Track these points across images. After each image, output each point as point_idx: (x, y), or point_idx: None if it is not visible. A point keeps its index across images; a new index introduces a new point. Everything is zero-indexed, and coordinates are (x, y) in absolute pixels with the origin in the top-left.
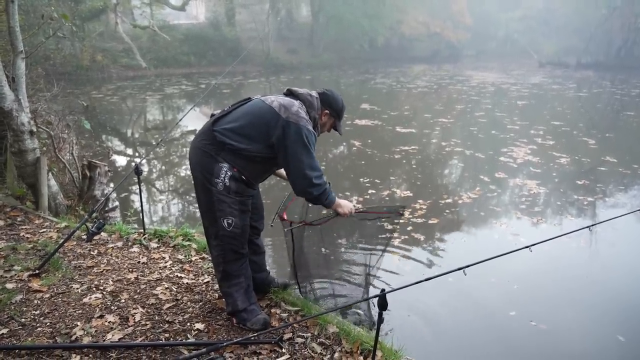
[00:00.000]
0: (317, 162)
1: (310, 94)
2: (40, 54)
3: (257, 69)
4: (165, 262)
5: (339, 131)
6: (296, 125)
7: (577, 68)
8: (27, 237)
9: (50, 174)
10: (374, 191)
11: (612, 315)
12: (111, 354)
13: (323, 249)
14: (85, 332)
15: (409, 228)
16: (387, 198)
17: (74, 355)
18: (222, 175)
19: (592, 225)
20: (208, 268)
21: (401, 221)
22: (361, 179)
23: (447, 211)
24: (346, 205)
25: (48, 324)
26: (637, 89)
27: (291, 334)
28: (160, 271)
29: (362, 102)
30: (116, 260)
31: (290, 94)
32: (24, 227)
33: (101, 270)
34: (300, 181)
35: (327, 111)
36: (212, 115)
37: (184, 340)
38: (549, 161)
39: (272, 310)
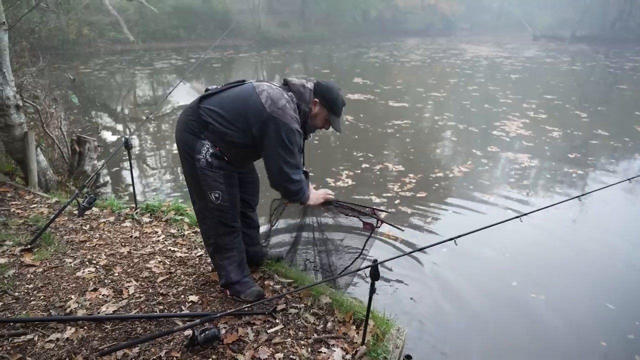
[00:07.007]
0: (297, 159)
1: (304, 85)
2: (25, 27)
3: (248, 43)
4: (158, 237)
5: (335, 128)
6: (278, 121)
7: (571, 41)
8: (18, 213)
9: (38, 149)
10: (367, 165)
11: (601, 285)
12: (106, 326)
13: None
14: (80, 305)
15: (397, 202)
16: (379, 172)
17: (68, 327)
18: (204, 152)
19: (582, 195)
20: (201, 242)
21: (389, 194)
22: (354, 153)
23: (437, 185)
24: (316, 197)
25: (42, 297)
26: (631, 62)
27: (284, 305)
28: (153, 245)
29: (354, 76)
30: (108, 234)
31: (285, 84)
32: (14, 202)
33: (94, 244)
34: (276, 176)
35: (316, 100)
36: (207, 90)
37: (178, 312)
38: (541, 135)
39: (266, 283)
